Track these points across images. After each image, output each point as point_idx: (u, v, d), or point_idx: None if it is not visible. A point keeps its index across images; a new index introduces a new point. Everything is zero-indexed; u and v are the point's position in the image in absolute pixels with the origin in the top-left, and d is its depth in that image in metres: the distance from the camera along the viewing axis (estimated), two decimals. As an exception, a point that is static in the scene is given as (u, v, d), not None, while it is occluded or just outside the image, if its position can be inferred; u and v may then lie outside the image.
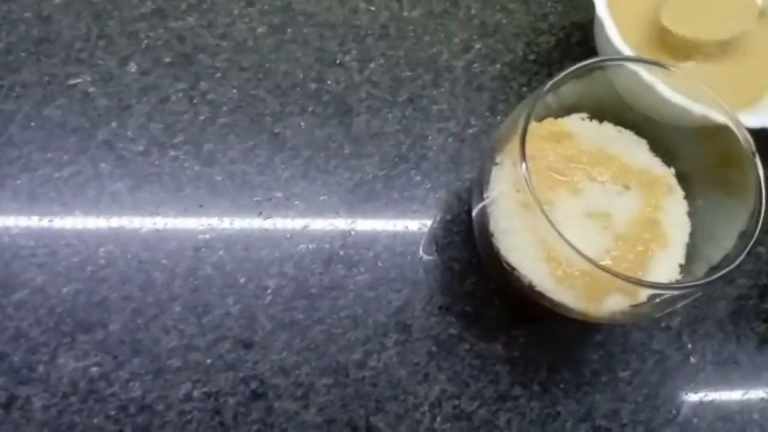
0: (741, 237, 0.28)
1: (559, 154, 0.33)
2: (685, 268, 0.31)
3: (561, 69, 0.41)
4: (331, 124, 0.37)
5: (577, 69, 0.29)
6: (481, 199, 0.31)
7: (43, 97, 0.35)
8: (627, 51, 0.34)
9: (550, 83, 0.28)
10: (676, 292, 0.27)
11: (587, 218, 0.32)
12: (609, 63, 0.30)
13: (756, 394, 0.36)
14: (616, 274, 0.25)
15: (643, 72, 0.31)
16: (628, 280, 0.26)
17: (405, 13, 0.41)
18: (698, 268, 0.30)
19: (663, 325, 0.37)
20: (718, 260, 0.28)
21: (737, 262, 0.27)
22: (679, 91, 0.31)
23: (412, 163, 0.37)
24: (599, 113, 0.34)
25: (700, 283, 0.26)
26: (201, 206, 0.34)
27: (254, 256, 0.34)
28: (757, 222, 0.28)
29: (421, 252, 0.35)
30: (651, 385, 0.35)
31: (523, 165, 0.27)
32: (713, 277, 0.26)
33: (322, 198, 0.36)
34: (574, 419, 0.34)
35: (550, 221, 0.26)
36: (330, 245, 0.35)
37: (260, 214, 0.35)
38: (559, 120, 0.33)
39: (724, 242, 0.30)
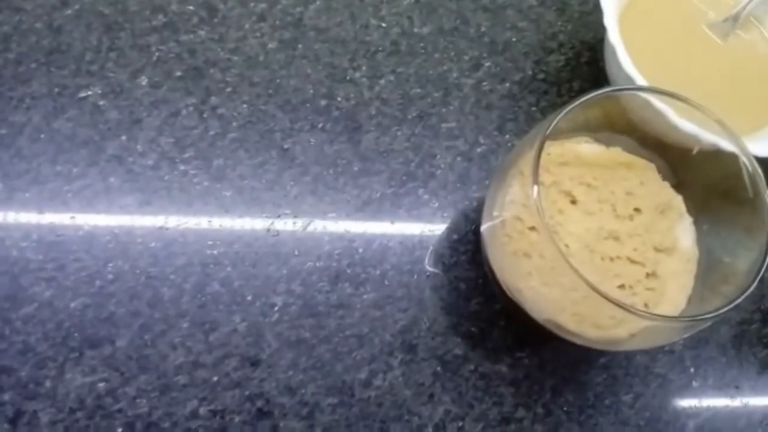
0: (750, 265, 0.28)
1: (569, 177, 0.33)
2: (693, 296, 0.31)
3: (570, 89, 0.42)
4: (340, 140, 0.37)
5: (592, 97, 0.29)
6: (490, 219, 0.31)
7: (53, 109, 0.35)
8: (638, 77, 0.34)
9: (564, 111, 0.28)
10: (684, 324, 0.28)
11: (596, 242, 0.32)
12: (623, 92, 0.30)
13: (757, 419, 0.37)
14: (621, 305, 0.25)
15: (655, 100, 0.31)
16: (634, 311, 0.26)
17: (416, 30, 0.41)
18: (707, 296, 0.30)
19: (666, 348, 0.37)
20: (727, 288, 0.29)
21: (748, 291, 0.27)
22: (690, 119, 0.31)
23: (420, 181, 0.37)
24: (609, 137, 0.34)
25: (709, 315, 0.26)
26: (210, 221, 0.34)
27: (262, 272, 0.34)
28: (767, 251, 0.28)
29: (427, 271, 0.36)
30: (653, 409, 0.35)
31: (535, 189, 0.27)
32: (724, 309, 0.26)
33: (330, 215, 0.36)
34: (578, 442, 0.34)
35: (557, 246, 0.26)
36: (337, 263, 0.35)
37: (268, 230, 0.35)
38: (569, 142, 0.34)
39: (732, 270, 0.30)
